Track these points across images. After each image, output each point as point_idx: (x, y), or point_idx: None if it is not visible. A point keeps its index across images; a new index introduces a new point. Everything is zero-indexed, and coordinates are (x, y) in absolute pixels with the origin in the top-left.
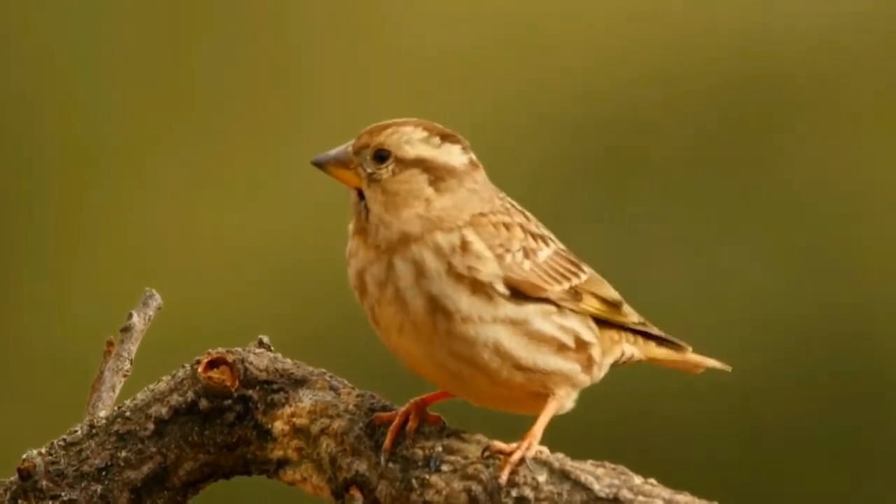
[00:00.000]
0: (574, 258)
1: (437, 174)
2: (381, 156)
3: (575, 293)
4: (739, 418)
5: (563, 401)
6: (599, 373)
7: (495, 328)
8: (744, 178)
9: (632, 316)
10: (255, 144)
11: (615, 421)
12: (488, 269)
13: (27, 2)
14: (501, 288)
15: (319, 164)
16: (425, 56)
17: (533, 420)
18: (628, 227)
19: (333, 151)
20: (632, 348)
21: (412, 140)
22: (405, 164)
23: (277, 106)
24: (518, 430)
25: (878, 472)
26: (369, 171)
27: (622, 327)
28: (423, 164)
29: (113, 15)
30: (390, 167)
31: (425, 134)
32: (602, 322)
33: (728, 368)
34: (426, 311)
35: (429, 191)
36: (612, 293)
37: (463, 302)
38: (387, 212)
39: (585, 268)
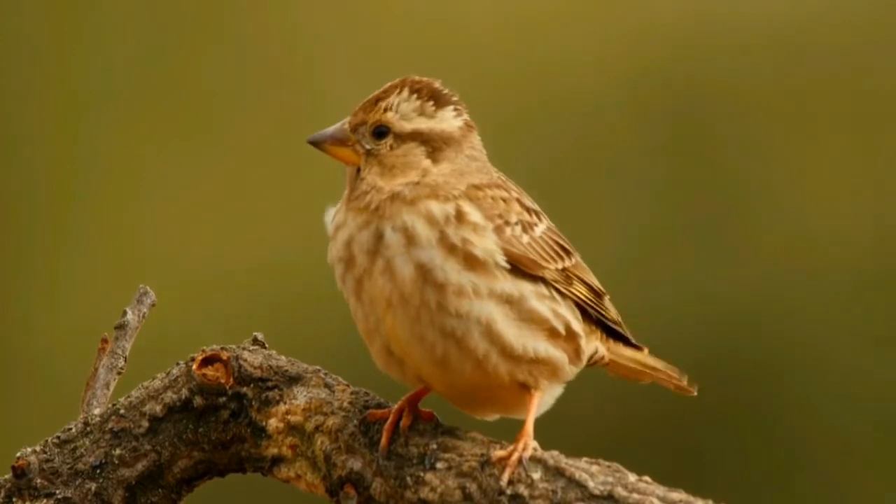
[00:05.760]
0: (563, 240)
1: (434, 145)
2: (380, 132)
3: (567, 276)
4: (735, 415)
5: (546, 395)
6: (579, 367)
7: (489, 305)
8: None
9: (611, 311)
10: (249, 144)
11: (609, 418)
12: (485, 243)
13: (30, 2)
14: (502, 261)
15: (316, 143)
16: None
17: (522, 419)
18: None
19: (330, 130)
20: (602, 347)
21: (408, 113)
22: (403, 138)
23: (274, 106)
24: (508, 424)
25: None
26: (368, 147)
27: (597, 322)
28: (420, 137)
29: (116, 17)
30: (388, 143)
31: (418, 103)
32: (582, 313)
33: (693, 391)
34: (414, 281)
35: (426, 162)
36: (596, 282)
37: (454, 274)
38: (381, 179)
39: (573, 251)
